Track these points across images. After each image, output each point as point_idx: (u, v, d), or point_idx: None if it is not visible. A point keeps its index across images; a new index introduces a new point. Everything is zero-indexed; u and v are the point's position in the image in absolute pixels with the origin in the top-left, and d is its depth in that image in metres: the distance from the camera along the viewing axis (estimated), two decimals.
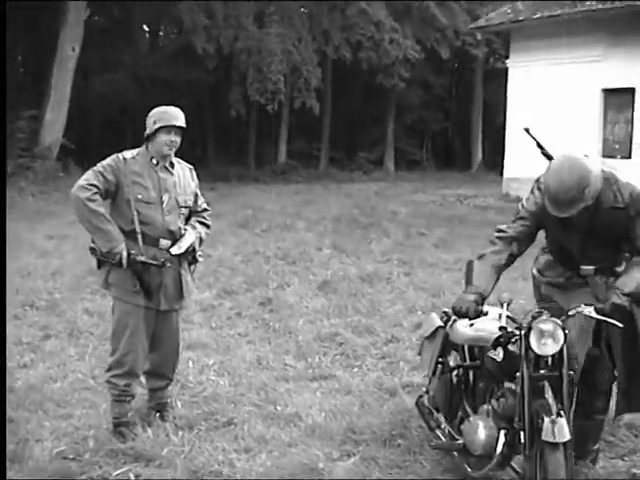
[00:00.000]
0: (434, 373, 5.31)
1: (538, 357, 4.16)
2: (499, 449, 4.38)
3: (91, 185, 5.25)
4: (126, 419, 5.47)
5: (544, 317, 4.20)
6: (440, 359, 5.25)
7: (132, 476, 4.78)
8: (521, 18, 21.62)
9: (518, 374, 4.22)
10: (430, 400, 5.38)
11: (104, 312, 8.90)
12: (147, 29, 45.78)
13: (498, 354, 4.50)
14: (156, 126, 5.46)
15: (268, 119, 36.22)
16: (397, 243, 14.68)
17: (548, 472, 3.94)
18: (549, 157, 5.04)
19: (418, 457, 5.13)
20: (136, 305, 5.40)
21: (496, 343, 4.48)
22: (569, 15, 20.15)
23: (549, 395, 4.10)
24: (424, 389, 5.62)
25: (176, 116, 5.55)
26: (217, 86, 37.42)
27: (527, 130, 5.59)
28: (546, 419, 3.98)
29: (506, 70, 23.32)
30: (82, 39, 27.45)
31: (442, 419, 5.13)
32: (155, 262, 5.36)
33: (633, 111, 19.62)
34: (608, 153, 19.81)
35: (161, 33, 45.78)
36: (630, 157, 19.12)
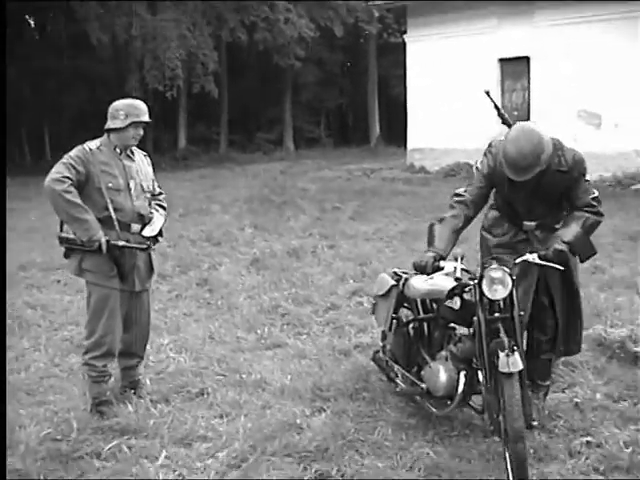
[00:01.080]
0: (390, 328, 5.75)
1: (491, 302, 4.62)
2: (460, 389, 4.88)
3: (65, 177, 5.42)
4: (105, 398, 5.71)
5: (494, 266, 4.66)
6: (395, 315, 5.70)
7: (125, 448, 5.05)
8: None
9: (474, 319, 4.68)
10: (387, 353, 5.85)
11: (46, 304, 9.18)
12: (32, 21, 44.93)
13: (455, 303, 4.97)
14: (127, 121, 5.67)
15: (165, 105, 36.10)
16: (314, 218, 15.07)
17: (505, 399, 4.40)
18: (506, 121, 5.54)
19: (383, 406, 5.59)
20: (112, 288, 5.64)
21: (452, 293, 4.96)
22: None
23: (503, 334, 4.53)
24: (380, 344, 6.08)
25: (145, 111, 5.80)
26: (111, 75, 37.13)
27: (487, 93, 6.03)
28: (501, 354, 4.43)
29: (404, 45, 23.78)
30: None
31: (401, 369, 5.56)
32: (141, 246, 5.69)
33: (529, 79, 20.37)
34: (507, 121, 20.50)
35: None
36: None
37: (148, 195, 5.95)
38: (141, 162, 6.01)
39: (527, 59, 20.19)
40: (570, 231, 4.93)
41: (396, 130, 32.11)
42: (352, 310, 8.35)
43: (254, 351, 7.13)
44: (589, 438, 4.93)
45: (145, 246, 5.75)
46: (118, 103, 5.83)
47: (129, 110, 5.73)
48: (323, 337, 7.51)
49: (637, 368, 6.08)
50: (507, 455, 4.39)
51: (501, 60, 20.87)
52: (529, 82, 20.35)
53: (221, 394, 5.96)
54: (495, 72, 20.90)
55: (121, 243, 5.58)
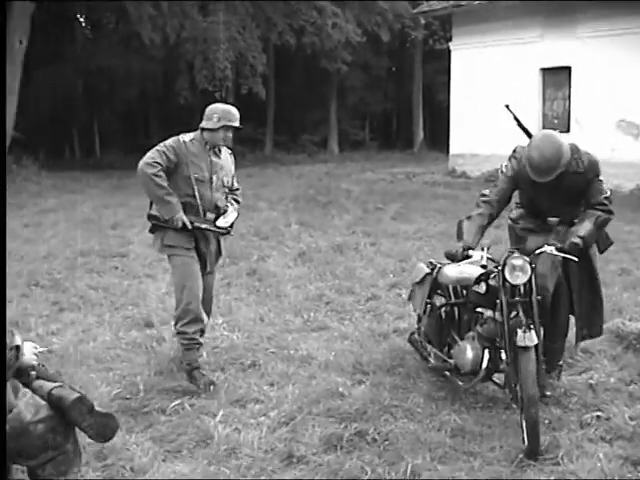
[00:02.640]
0: (424, 312, 6.45)
1: (513, 287, 5.25)
2: (484, 365, 5.53)
3: (156, 163, 6.14)
4: (197, 364, 6.33)
5: (515, 255, 5.31)
6: (429, 300, 6.39)
7: (187, 406, 5.74)
8: (462, 3, 22.63)
9: (498, 302, 5.33)
10: (422, 335, 6.50)
11: (107, 287, 9.88)
12: (83, 20, 45.96)
13: (481, 287, 5.63)
14: (220, 124, 6.35)
15: None
16: (358, 218, 15.68)
17: (521, 369, 5.02)
18: (527, 132, 6.21)
19: (417, 380, 6.24)
20: (192, 257, 6.33)
21: (479, 279, 5.62)
22: (507, 0, 21.24)
23: (522, 314, 5.16)
24: (415, 327, 6.76)
25: (237, 117, 6.51)
26: (163, 75, 37.96)
27: (507, 107, 6.66)
28: (519, 330, 5.06)
29: (449, 52, 24.30)
30: (29, 32, 27.75)
31: (433, 349, 6.20)
32: (221, 230, 6.44)
33: (570, 88, 20.75)
34: (548, 128, 20.98)
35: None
36: (569, 131, 20.23)
37: (226, 190, 6.62)
38: (225, 159, 6.67)
39: (569, 69, 20.59)
40: (584, 227, 5.56)
41: (439, 136, 32.54)
42: (391, 300, 8.97)
43: (301, 332, 7.79)
44: (599, 413, 5.51)
45: (225, 231, 6.48)
46: (215, 106, 6.57)
47: (223, 114, 6.41)
48: (364, 322, 8.14)
49: None
50: (522, 420, 4.99)
51: (543, 69, 21.26)
52: (570, 92, 20.74)
53: (271, 366, 6.65)
54: (537, 81, 21.34)
55: (204, 225, 6.32)
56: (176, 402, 5.82)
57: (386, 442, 5.07)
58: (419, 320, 6.67)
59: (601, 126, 19.44)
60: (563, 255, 5.44)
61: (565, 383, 6.07)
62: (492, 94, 21.15)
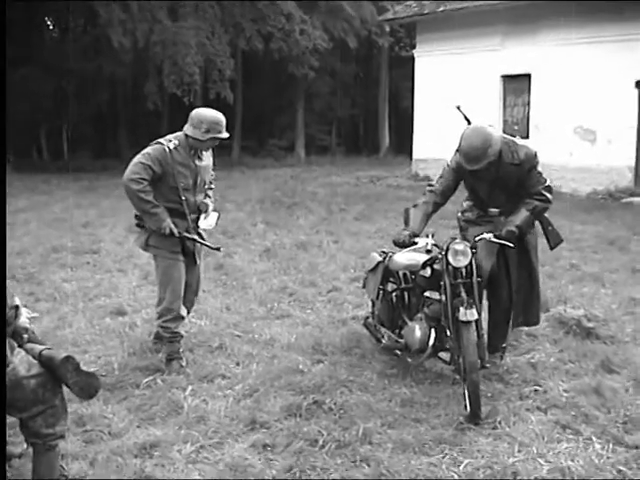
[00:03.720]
0: (377, 297, 7.01)
1: (455, 270, 5.81)
2: (431, 342, 6.10)
3: (142, 179, 6.36)
4: (178, 355, 6.75)
5: (457, 240, 5.90)
6: (381, 286, 6.96)
7: (159, 381, 6.24)
8: (426, 12, 23.21)
9: (442, 284, 5.89)
10: (376, 318, 7.06)
11: (81, 279, 10.32)
12: (51, 23, 46.13)
13: (427, 272, 6.20)
14: (208, 136, 6.50)
15: (181, 110, 37.12)
16: (322, 218, 16.18)
17: (463, 342, 5.57)
18: (467, 119, 6.76)
19: (371, 360, 6.77)
20: (177, 260, 6.67)
21: (425, 264, 6.18)
22: (469, 8, 21.79)
23: (463, 294, 5.72)
24: (369, 311, 7.34)
25: (224, 127, 6.65)
26: (132, 79, 38.23)
27: (458, 108, 7.21)
28: (461, 308, 5.63)
29: (412, 59, 24.89)
30: None
31: (387, 331, 6.74)
32: (214, 246, 6.92)
33: (529, 95, 21.41)
34: (508, 133, 21.55)
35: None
36: (528, 137, 20.82)
37: (205, 187, 6.89)
38: (207, 158, 6.84)
39: (528, 76, 21.23)
40: (520, 216, 6.12)
41: (405, 141, 33.11)
42: (351, 292, 9.47)
43: (265, 320, 8.29)
44: (537, 387, 6.07)
45: (215, 247, 6.93)
46: (203, 114, 6.62)
47: (211, 126, 6.50)
48: (324, 311, 8.66)
49: (588, 340, 7.20)
50: (465, 387, 5.53)
51: (504, 77, 21.89)
52: (529, 98, 21.39)
53: (237, 348, 7.16)
54: (498, 88, 21.97)
55: (195, 238, 6.68)
56: (149, 378, 6.32)
57: (341, 411, 5.58)
58: (373, 305, 7.21)
59: (559, 132, 20.10)
60: (500, 242, 5.99)
61: (508, 362, 6.61)
62: (453, 100, 21.63)
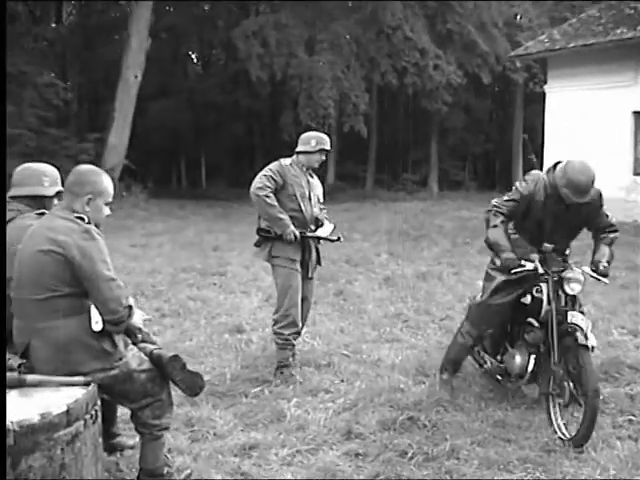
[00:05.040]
0: None
1: (566, 296, 5.99)
2: (530, 368, 6.26)
3: (266, 186, 7.15)
4: (288, 362, 7.26)
5: (572, 268, 6.07)
6: None
7: (267, 392, 6.65)
8: (557, 47, 23.16)
9: (542, 311, 6.05)
10: (480, 345, 7.14)
11: (205, 299, 10.84)
12: (194, 57, 47.97)
13: (527, 299, 6.32)
14: (317, 147, 7.38)
15: None
16: (445, 250, 16.37)
17: (585, 366, 5.61)
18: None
19: (471, 384, 6.96)
20: (295, 270, 7.29)
21: (525, 292, 6.31)
22: (601, 44, 21.70)
23: (579, 320, 5.84)
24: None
25: (329, 142, 7.51)
26: (268, 111, 39.31)
27: (524, 139, 7.45)
28: (578, 334, 5.71)
29: (544, 95, 24.88)
30: (144, 67, 29.30)
31: (488, 357, 6.92)
32: (332, 237, 7.50)
33: None
34: (639, 171, 21.40)
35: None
36: None
37: (320, 205, 7.63)
38: (316, 180, 7.71)
39: None
40: (605, 251, 6.31)
41: None
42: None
43: (375, 342, 8.59)
44: (632, 417, 6.14)
45: (336, 237, 7.51)
46: (309, 133, 7.65)
47: (319, 140, 7.43)
48: (434, 337, 8.89)
49: None
50: (583, 410, 5.58)
51: (635, 113, 21.61)
52: None
53: (344, 366, 7.49)
54: (629, 124, 21.70)
55: (315, 234, 7.37)
56: (257, 388, 6.75)
57: (434, 428, 5.81)
58: None
59: None
60: (596, 277, 6.14)
61: (605, 393, 6.68)
62: (585, 136, 21.59)
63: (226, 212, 25.01)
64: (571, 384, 5.78)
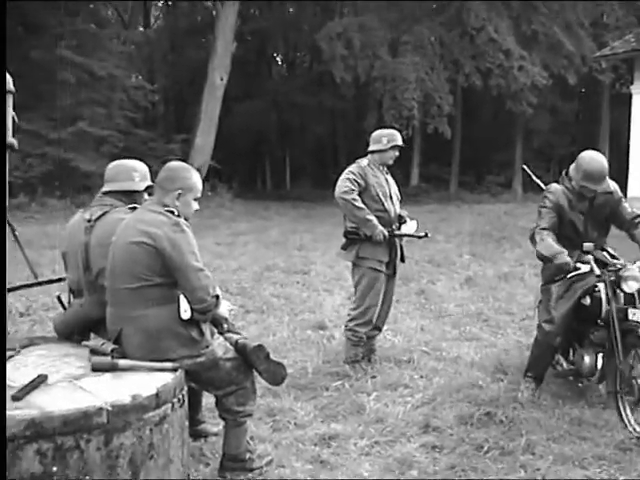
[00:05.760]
0: None
1: (625, 294, 6.04)
2: (599, 367, 6.32)
3: (352, 190, 7.28)
4: (358, 358, 7.43)
5: (629, 266, 6.09)
6: None
7: (347, 385, 6.82)
8: None
9: (603, 311, 6.12)
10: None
11: (289, 296, 11.07)
12: (279, 59, 48.46)
13: (586, 300, 6.37)
14: (390, 144, 7.47)
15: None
16: (528, 252, 16.18)
17: None
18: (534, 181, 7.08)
19: (549, 382, 6.94)
20: (381, 272, 7.42)
21: (585, 293, 6.34)
22: None
23: (638, 316, 5.89)
24: None
25: (400, 138, 7.59)
26: (353, 112, 39.47)
27: (523, 169, 7.52)
28: None
29: (630, 96, 24.50)
30: (229, 69, 29.76)
31: (560, 357, 6.95)
32: (419, 234, 7.58)
33: None
34: None
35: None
36: None
37: (399, 201, 7.74)
38: (391, 177, 7.79)
39: None
40: None
41: (625, 179, 32.36)
42: None
43: (455, 340, 8.69)
44: None
45: (423, 234, 7.59)
46: (380, 131, 7.69)
47: (390, 137, 7.51)
48: (514, 336, 8.96)
49: None
50: None
51: None
52: None
53: (423, 362, 7.61)
54: None
55: (404, 232, 7.51)
56: (338, 382, 6.90)
57: (510, 424, 5.88)
58: None
59: None
60: None
61: None
62: None
63: (310, 213, 25.29)
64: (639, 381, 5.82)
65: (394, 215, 7.52)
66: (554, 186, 6.59)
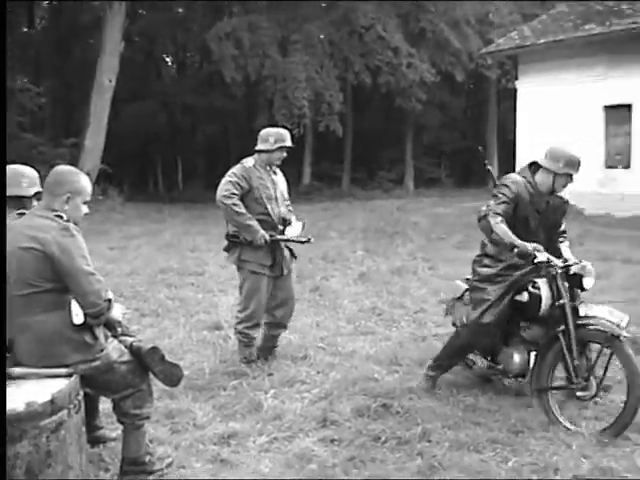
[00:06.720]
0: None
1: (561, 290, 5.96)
2: (531, 366, 6.25)
3: (233, 194, 7.19)
4: (252, 358, 7.45)
5: (583, 263, 6.09)
6: None
7: (244, 384, 6.83)
8: (527, 43, 23.56)
9: (542, 307, 6.03)
10: None
11: (184, 298, 11.01)
12: (169, 60, 48.05)
13: (524, 296, 6.25)
14: (277, 145, 7.38)
15: (292, 142, 37.94)
16: (420, 246, 16.59)
17: (626, 359, 5.63)
18: (492, 179, 6.95)
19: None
20: (264, 275, 7.37)
21: (521, 288, 6.25)
22: (571, 40, 22.12)
23: (609, 311, 5.87)
24: None
25: (289, 138, 7.53)
26: (243, 112, 39.41)
27: (479, 149, 7.40)
28: (615, 326, 5.72)
29: (515, 91, 25.20)
30: (117, 70, 29.33)
31: (478, 357, 6.82)
32: (301, 239, 7.47)
33: (631, 125, 21.53)
34: (611, 164, 21.76)
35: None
36: (630, 167, 21.00)
37: (286, 202, 7.69)
38: (280, 176, 7.74)
39: (629, 106, 21.40)
40: (570, 254, 6.46)
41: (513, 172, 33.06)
42: (437, 313, 9.84)
43: (350, 335, 8.80)
44: (597, 399, 6.25)
45: (305, 239, 7.49)
46: (268, 130, 7.58)
47: (278, 137, 7.41)
48: (408, 328, 9.13)
49: None
50: (627, 399, 5.61)
51: (606, 107, 22.03)
52: (631, 128, 21.48)
53: (319, 358, 7.69)
54: (600, 118, 22.11)
55: (285, 237, 7.40)
56: (235, 381, 6.92)
57: (406, 414, 6.01)
58: None
59: None
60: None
61: None
62: (556, 131, 21.88)
63: (203, 214, 25.13)
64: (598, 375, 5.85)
65: (277, 218, 7.45)
66: (516, 177, 6.41)
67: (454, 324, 7.00)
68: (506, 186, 6.31)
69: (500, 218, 6.14)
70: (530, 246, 5.97)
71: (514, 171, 22.24)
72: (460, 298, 7.07)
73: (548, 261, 6.00)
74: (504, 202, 6.23)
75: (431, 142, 43.71)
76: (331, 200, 31.85)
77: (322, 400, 6.42)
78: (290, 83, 31.07)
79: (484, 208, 6.45)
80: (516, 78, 25.67)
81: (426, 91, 34.69)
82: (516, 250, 6.00)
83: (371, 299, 10.86)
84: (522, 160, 24.05)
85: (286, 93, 31.24)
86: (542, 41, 22.92)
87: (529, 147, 23.72)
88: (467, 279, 7.06)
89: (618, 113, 21.74)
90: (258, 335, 7.65)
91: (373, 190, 36.63)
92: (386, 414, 6.02)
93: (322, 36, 32.94)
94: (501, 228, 6.08)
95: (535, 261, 6.00)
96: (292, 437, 5.65)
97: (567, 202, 6.56)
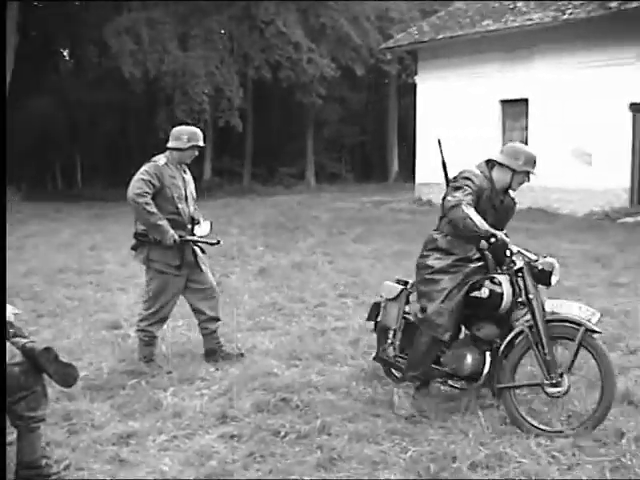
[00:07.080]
0: (400, 327, 6.63)
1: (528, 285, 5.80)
2: (486, 367, 5.97)
3: (145, 192, 7.08)
4: (153, 357, 7.39)
5: (550, 260, 5.87)
6: (405, 315, 6.62)
7: (144, 383, 6.81)
8: (426, 39, 23.98)
9: (503, 304, 5.82)
10: (397, 349, 6.60)
11: (82, 297, 10.89)
12: (66, 54, 47.10)
13: (484, 293, 5.92)
14: (190, 144, 7.31)
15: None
16: (321, 241, 16.69)
17: (600, 351, 5.58)
18: (445, 172, 6.80)
19: (343, 365, 7.29)
20: (172, 274, 7.32)
21: (479, 284, 5.99)
22: (469, 35, 22.59)
23: (587, 307, 5.74)
24: (386, 343, 6.79)
25: (202, 137, 7.48)
26: (144, 108, 38.95)
27: (439, 142, 7.18)
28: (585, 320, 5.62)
29: (415, 86, 25.57)
30: (13, 65, 28.69)
31: None
32: (211, 241, 7.46)
33: (527, 119, 22.10)
34: None
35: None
36: None
37: (194, 202, 7.66)
38: (189, 175, 7.68)
39: (526, 101, 21.95)
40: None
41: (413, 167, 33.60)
42: (337, 307, 10.00)
43: (250, 331, 8.83)
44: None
45: (215, 241, 7.49)
46: (181, 128, 7.54)
47: (191, 135, 7.34)
48: (308, 323, 9.20)
49: None
50: (600, 394, 5.56)
51: (502, 101, 22.61)
52: (527, 122, 22.05)
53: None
54: (497, 112, 22.65)
55: (195, 238, 7.38)
56: (134, 380, 6.87)
57: (306, 408, 6.08)
58: (394, 335, 6.67)
59: (557, 155, 20.50)
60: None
61: None
62: (455, 125, 22.32)
63: (103, 212, 24.83)
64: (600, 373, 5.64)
65: (187, 217, 7.42)
66: (476, 171, 6.19)
67: (381, 326, 6.79)
68: (469, 179, 6.10)
69: (472, 209, 5.87)
70: (505, 239, 5.83)
71: (414, 165, 22.56)
72: (395, 299, 6.70)
73: (518, 252, 5.87)
74: (470, 194, 5.98)
75: (332, 137, 43.98)
76: (232, 196, 31.72)
77: (221, 396, 6.45)
78: (190, 78, 30.96)
79: (450, 198, 6.01)
80: (415, 73, 26.03)
81: (326, 86, 34.96)
82: (493, 239, 5.80)
83: (271, 294, 10.91)
84: (422, 154, 24.50)
85: (186, 89, 31.13)
86: (440, 37, 23.35)
87: (428, 141, 24.14)
88: (399, 280, 6.81)
89: (515, 108, 22.29)
90: (160, 334, 7.62)
91: (274, 186, 36.73)
92: (285, 408, 6.08)
93: (222, 31, 32.86)
94: (478, 218, 5.82)
95: (508, 253, 5.86)
96: (192, 434, 5.66)
97: (516, 203, 6.47)
